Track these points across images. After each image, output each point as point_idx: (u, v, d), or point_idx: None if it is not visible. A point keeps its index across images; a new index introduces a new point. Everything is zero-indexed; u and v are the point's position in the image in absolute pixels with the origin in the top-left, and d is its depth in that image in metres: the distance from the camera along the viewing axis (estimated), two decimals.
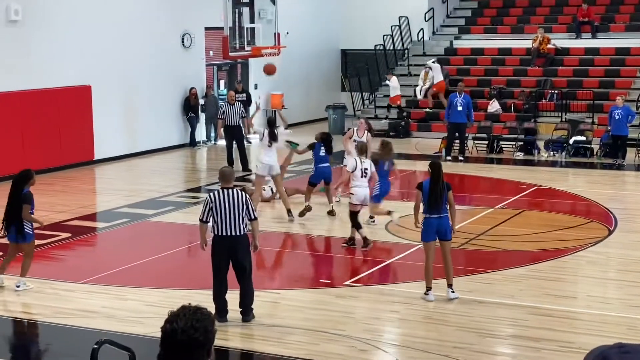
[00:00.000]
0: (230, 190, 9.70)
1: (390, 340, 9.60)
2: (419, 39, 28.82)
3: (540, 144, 22.25)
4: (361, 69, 28.17)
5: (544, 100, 24.88)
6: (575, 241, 13.36)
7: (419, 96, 26.51)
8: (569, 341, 9.16)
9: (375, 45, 28.06)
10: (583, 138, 21.80)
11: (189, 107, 24.00)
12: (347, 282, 11.50)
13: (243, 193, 9.81)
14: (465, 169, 19.89)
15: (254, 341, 9.45)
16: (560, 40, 26.82)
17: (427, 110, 25.91)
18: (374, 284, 11.54)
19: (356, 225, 12.98)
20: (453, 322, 9.88)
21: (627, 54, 25.77)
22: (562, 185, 18.33)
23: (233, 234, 9.60)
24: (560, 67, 26.17)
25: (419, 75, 26.85)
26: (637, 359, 2.23)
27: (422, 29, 28.77)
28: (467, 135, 21.80)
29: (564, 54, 26.53)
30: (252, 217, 9.73)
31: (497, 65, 27.07)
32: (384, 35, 28.18)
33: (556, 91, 24.86)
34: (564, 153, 21.70)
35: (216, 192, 9.74)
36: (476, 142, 22.36)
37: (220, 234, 9.65)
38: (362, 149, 13.42)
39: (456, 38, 28.90)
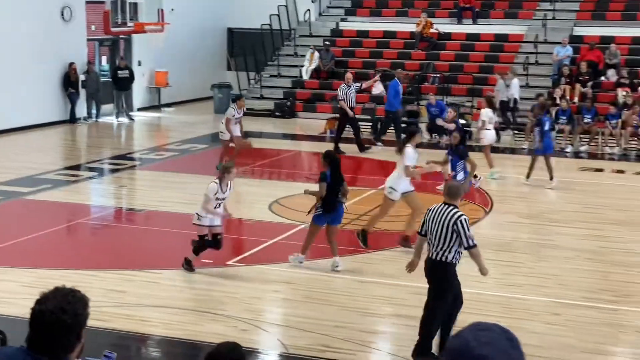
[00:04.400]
0: (446, 207, 8.29)
1: (271, 320, 9.63)
2: (306, 19, 28.86)
3: (423, 126, 22.66)
4: (247, 48, 28.01)
5: (426, 84, 25.36)
6: None
7: (305, 77, 26.59)
8: None
9: (262, 25, 27.92)
10: (463, 121, 22.31)
11: (69, 82, 23.30)
12: (230, 262, 11.46)
13: (459, 217, 8.21)
14: (349, 150, 20.06)
15: (134, 322, 9.29)
16: (443, 25, 27.35)
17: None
18: (257, 263, 11.53)
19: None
20: (334, 301, 9.99)
21: (506, 40, 26.54)
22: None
23: (430, 256, 8.38)
24: (442, 52, 26.71)
25: (304, 55, 26.93)
26: (491, 336, 2.29)
27: (308, 9, 28.81)
28: None
29: (446, 39, 27.08)
30: (467, 244, 8.24)
31: (382, 47, 27.39)
32: (270, 15, 28.07)
33: (438, 75, 25.38)
34: (445, 136, 22.15)
35: (434, 206, 8.48)
36: (360, 124, 22.56)
37: (427, 254, 8.48)
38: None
39: (342, 20, 29.06)
